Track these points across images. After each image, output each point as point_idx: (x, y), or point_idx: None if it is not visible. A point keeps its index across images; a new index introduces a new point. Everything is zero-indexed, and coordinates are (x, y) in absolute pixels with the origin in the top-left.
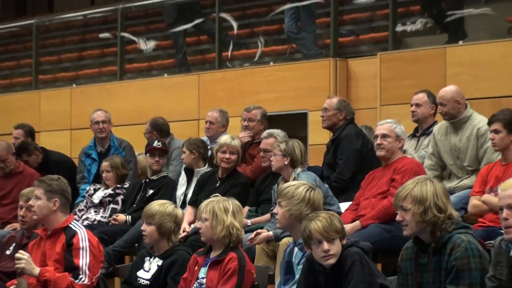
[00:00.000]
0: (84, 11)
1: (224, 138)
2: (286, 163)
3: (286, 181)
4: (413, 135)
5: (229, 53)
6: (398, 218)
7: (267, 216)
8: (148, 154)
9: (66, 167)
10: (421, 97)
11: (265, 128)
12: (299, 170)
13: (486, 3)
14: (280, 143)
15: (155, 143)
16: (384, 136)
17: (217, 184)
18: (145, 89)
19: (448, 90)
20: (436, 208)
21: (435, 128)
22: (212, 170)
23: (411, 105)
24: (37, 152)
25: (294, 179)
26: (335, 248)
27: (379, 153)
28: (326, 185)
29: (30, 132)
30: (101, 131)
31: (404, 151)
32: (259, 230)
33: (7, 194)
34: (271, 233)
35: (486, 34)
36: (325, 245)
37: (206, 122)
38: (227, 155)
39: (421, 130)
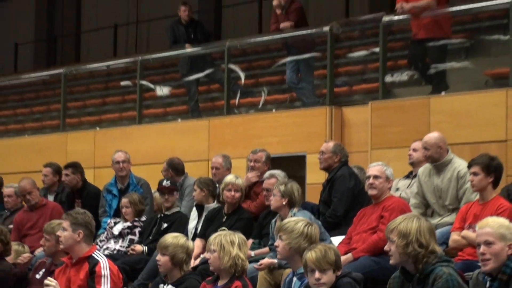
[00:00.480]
0: (107, 62)
1: (229, 178)
2: (284, 203)
3: (283, 219)
4: (407, 176)
5: (237, 100)
6: (386, 247)
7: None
8: (159, 192)
9: (98, 200)
10: (418, 144)
11: (269, 168)
12: (295, 210)
13: (466, 58)
14: (280, 184)
15: (164, 182)
16: (375, 177)
17: (224, 219)
18: (161, 132)
19: (431, 136)
20: (418, 243)
21: (420, 170)
22: (219, 207)
23: (409, 149)
24: (79, 176)
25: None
26: (326, 278)
27: (371, 192)
28: (319, 222)
29: (57, 171)
30: (121, 170)
31: (397, 189)
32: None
33: (34, 225)
34: (275, 260)
35: (466, 86)
36: (317, 274)
37: (212, 168)
38: (232, 193)
39: (415, 172)
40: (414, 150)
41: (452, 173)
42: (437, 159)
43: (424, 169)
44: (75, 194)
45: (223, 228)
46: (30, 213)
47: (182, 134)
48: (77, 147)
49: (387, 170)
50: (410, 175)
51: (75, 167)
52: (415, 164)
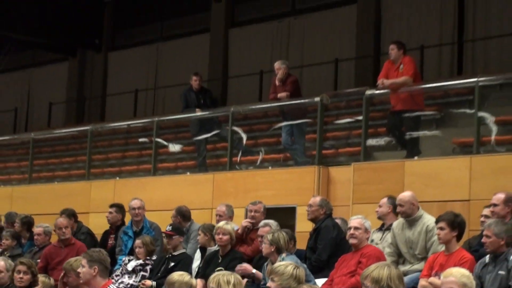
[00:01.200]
0: (128, 121)
1: (220, 223)
2: (272, 250)
3: (273, 263)
4: (379, 229)
5: (238, 158)
6: None
7: None
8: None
9: None
10: (384, 201)
11: (264, 218)
12: (284, 255)
13: (437, 128)
14: (269, 234)
15: (167, 228)
16: (356, 228)
17: (219, 261)
18: (172, 183)
19: (406, 195)
20: None
21: (394, 224)
22: (216, 250)
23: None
24: (121, 216)
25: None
26: None
27: (352, 241)
28: (305, 265)
29: (73, 215)
30: (136, 215)
31: (372, 241)
32: None
33: (62, 260)
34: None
35: (436, 152)
36: None
37: (217, 215)
38: (220, 236)
39: (386, 225)
40: (380, 206)
41: (422, 227)
42: (409, 215)
43: (397, 223)
44: (112, 230)
45: (220, 268)
46: (59, 249)
47: (190, 186)
48: (99, 194)
49: (366, 223)
50: (382, 228)
51: (119, 207)
52: (382, 218)
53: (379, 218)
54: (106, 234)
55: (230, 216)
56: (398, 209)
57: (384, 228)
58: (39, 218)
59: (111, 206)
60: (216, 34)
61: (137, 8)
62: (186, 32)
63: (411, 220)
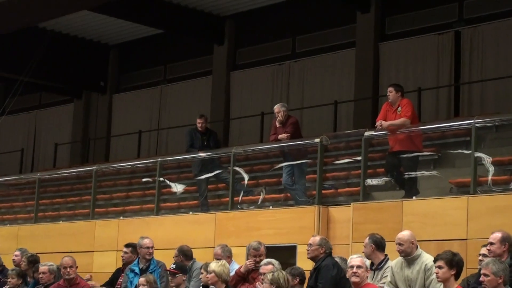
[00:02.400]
0: (131, 162)
1: (210, 264)
2: None
3: None
4: (369, 268)
5: (240, 198)
6: None
7: None
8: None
9: None
10: (366, 241)
11: (265, 257)
12: None
13: (434, 168)
14: (269, 273)
15: (171, 266)
16: (358, 266)
17: None
18: (175, 223)
19: (405, 234)
20: None
21: (393, 263)
22: None
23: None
24: (136, 256)
25: None
26: None
27: (354, 279)
28: None
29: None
30: (149, 254)
31: None
32: None
33: None
34: None
35: (434, 192)
36: None
37: (215, 258)
38: (205, 274)
39: (375, 265)
40: (364, 246)
41: (421, 265)
42: (409, 253)
43: (396, 262)
44: (123, 268)
45: None
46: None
47: (192, 225)
48: (104, 233)
49: (367, 261)
50: (372, 267)
51: (134, 247)
52: (369, 258)
53: (367, 257)
54: (117, 272)
55: (228, 256)
56: (397, 248)
57: (374, 267)
58: (44, 256)
59: (127, 246)
60: (218, 77)
61: (141, 52)
62: (189, 74)
63: (410, 259)
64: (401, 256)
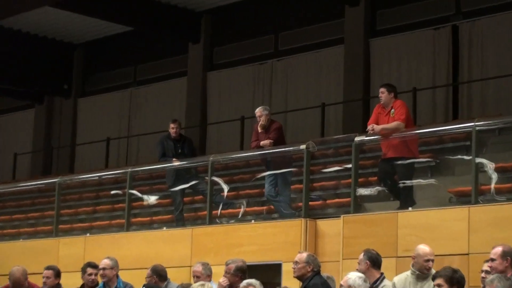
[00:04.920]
0: (99, 173)
1: (194, 285)
2: None
3: None
4: None
5: (219, 211)
6: None
7: None
8: None
9: None
10: (359, 257)
11: (241, 278)
12: None
13: (432, 176)
14: None
15: None
16: (349, 286)
17: None
18: (147, 240)
19: (427, 250)
20: None
21: (395, 279)
22: None
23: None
24: None
25: None
26: None
27: None
28: None
29: (58, 273)
30: (103, 276)
31: None
32: None
33: None
34: None
35: (431, 202)
36: None
37: (194, 276)
38: None
39: (370, 283)
40: (358, 263)
41: (430, 283)
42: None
43: (399, 279)
44: None
45: None
46: None
47: (166, 242)
48: (69, 252)
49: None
50: None
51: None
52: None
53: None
54: None
55: (208, 275)
56: (427, 265)
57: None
58: (2, 279)
59: (93, 266)
60: (194, 78)
61: (109, 51)
62: (162, 76)
63: (425, 276)
64: (415, 270)
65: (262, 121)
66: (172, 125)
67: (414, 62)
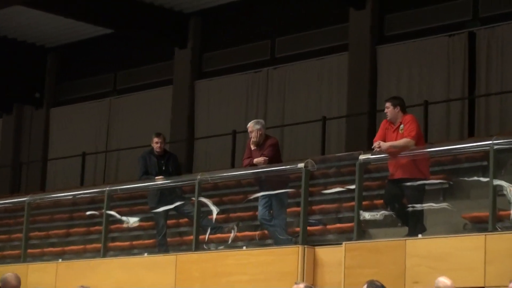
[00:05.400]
0: (73, 191)
1: None
2: None
3: None
4: None
5: (206, 236)
6: None
7: None
8: None
9: None
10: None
11: None
12: None
13: (444, 200)
14: None
15: None
16: None
17: None
18: (126, 267)
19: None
20: None
21: None
22: None
23: None
24: None
25: None
26: None
27: None
28: None
29: None
30: None
31: None
32: None
33: None
34: None
35: (444, 229)
36: None
37: None
38: None
39: None
40: None
41: None
42: None
43: None
44: None
45: None
46: None
47: (148, 269)
48: (38, 279)
49: None
50: None
51: None
52: None
53: None
54: None
55: None
56: None
57: None
58: None
59: None
60: (181, 87)
61: (85, 56)
62: (144, 84)
63: None
64: None
65: (253, 137)
66: (155, 139)
67: (426, 72)
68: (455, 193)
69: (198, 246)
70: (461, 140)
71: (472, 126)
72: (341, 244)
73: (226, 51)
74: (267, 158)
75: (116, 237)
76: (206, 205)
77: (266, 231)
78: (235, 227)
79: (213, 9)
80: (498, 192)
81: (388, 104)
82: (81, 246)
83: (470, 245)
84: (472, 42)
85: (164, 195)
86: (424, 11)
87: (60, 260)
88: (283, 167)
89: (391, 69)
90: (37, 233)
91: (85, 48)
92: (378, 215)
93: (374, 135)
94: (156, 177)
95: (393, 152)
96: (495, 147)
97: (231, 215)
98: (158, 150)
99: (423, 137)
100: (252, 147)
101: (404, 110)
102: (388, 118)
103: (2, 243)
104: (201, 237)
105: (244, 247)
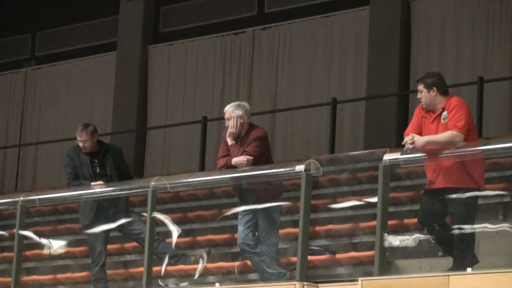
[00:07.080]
0: None
1: None
2: None
3: None
4: None
5: (163, 268)
6: None
7: None
8: None
9: None
10: None
11: None
12: None
13: (505, 219)
14: None
15: None
16: None
17: None
18: None
19: None
20: None
21: None
22: None
23: None
24: None
25: None
26: None
27: None
28: None
29: None
30: None
31: None
32: None
33: None
34: None
35: (503, 260)
36: None
37: None
38: None
39: None
40: None
41: None
42: None
43: None
44: None
45: None
46: None
47: None
48: None
49: None
50: None
51: None
52: None
53: None
54: None
55: None
56: None
57: None
58: None
59: None
60: (128, 54)
61: None
62: (76, 50)
63: None
64: None
65: (231, 127)
66: (78, 137)
67: (481, 35)
68: None
69: (151, 282)
70: None
71: None
72: (356, 280)
73: (193, 3)
74: (251, 158)
75: (33, 268)
76: (163, 224)
77: (248, 262)
78: (204, 256)
79: None
80: None
81: (420, 87)
82: None
83: None
84: None
85: (103, 208)
86: None
87: None
88: (275, 170)
89: (421, 30)
90: None
91: None
92: (409, 240)
93: (406, 126)
94: (92, 183)
95: (432, 151)
96: None
97: (199, 238)
98: (84, 151)
99: (476, 130)
100: (230, 141)
101: (445, 91)
102: (423, 105)
103: None
104: (155, 269)
105: (217, 284)
